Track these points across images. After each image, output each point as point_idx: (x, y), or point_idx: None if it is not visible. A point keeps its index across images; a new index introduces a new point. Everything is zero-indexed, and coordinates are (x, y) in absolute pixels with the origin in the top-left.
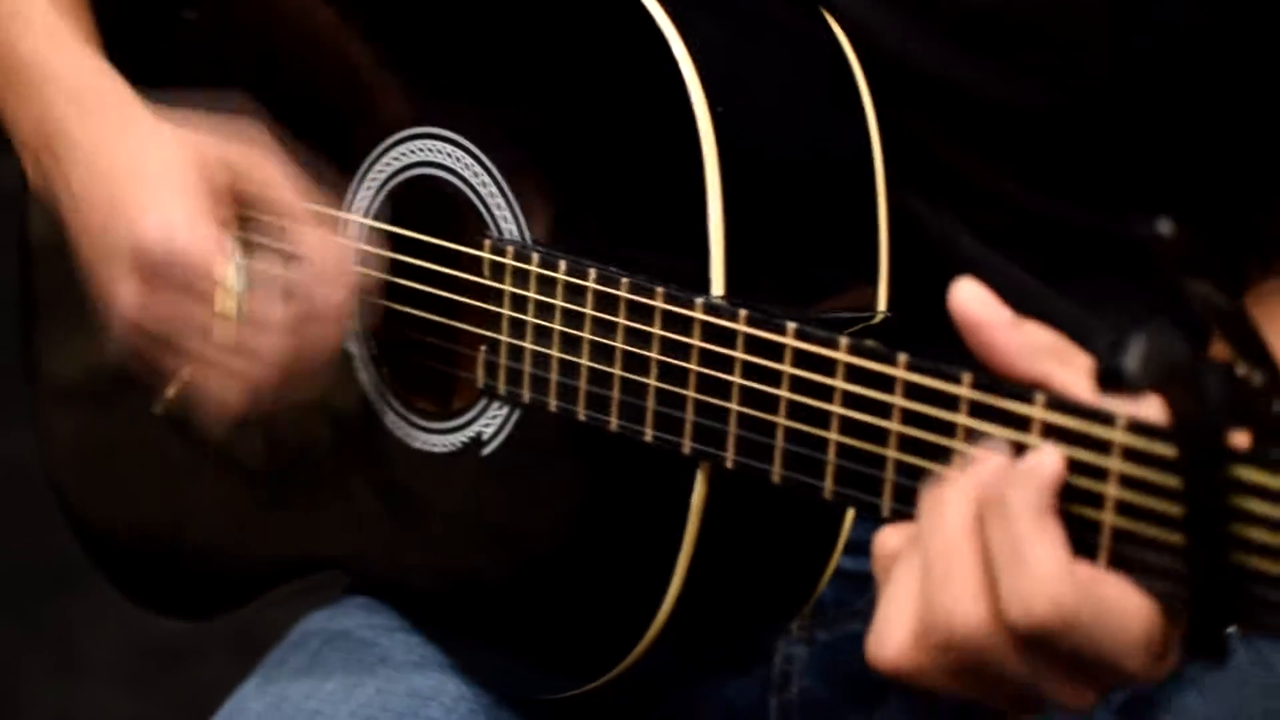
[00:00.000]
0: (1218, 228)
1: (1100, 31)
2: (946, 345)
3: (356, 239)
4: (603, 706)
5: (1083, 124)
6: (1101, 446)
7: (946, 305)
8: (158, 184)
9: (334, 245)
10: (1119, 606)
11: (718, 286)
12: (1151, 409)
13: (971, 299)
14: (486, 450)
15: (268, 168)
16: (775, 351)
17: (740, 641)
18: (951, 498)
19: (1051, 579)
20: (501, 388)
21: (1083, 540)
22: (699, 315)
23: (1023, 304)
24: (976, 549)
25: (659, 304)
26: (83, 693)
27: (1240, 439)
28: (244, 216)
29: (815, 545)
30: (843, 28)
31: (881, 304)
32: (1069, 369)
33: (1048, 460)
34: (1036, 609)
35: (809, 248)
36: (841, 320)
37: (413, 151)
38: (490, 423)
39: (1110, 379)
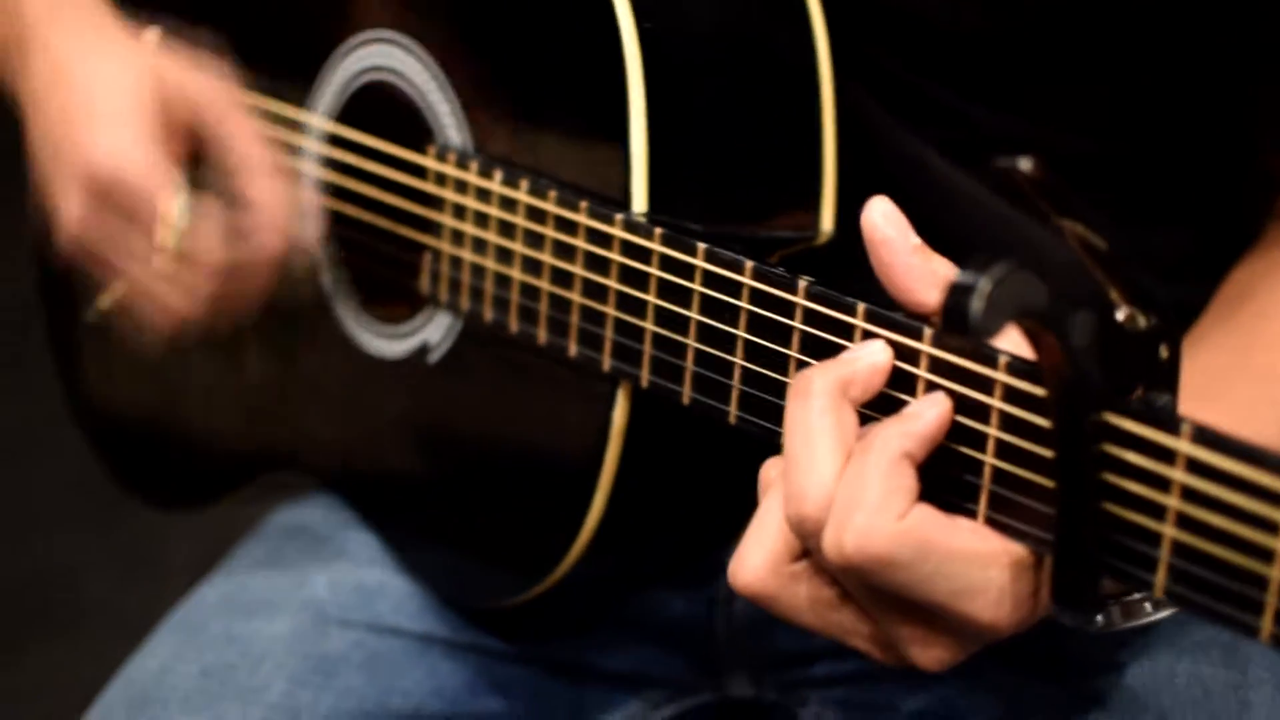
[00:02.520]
0: (1206, 160)
1: None
2: None
3: (316, 140)
4: (548, 619)
5: (1047, 45)
6: (984, 385)
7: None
8: (116, 109)
9: (280, 196)
10: (961, 551)
11: (640, 203)
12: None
13: (881, 215)
14: (432, 357)
15: (228, 108)
16: (686, 271)
17: (684, 557)
18: (817, 404)
19: (869, 516)
20: (443, 297)
21: (964, 481)
22: (618, 232)
23: (989, 227)
24: (835, 470)
25: (582, 219)
26: (148, 599)
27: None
28: (198, 152)
29: (750, 464)
30: None
31: (827, 224)
32: None
33: (924, 412)
34: (847, 544)
35: (744, 166)
36: (778, 240)
37: (371, 55)
38: (436, 331)
39: (952, 322)
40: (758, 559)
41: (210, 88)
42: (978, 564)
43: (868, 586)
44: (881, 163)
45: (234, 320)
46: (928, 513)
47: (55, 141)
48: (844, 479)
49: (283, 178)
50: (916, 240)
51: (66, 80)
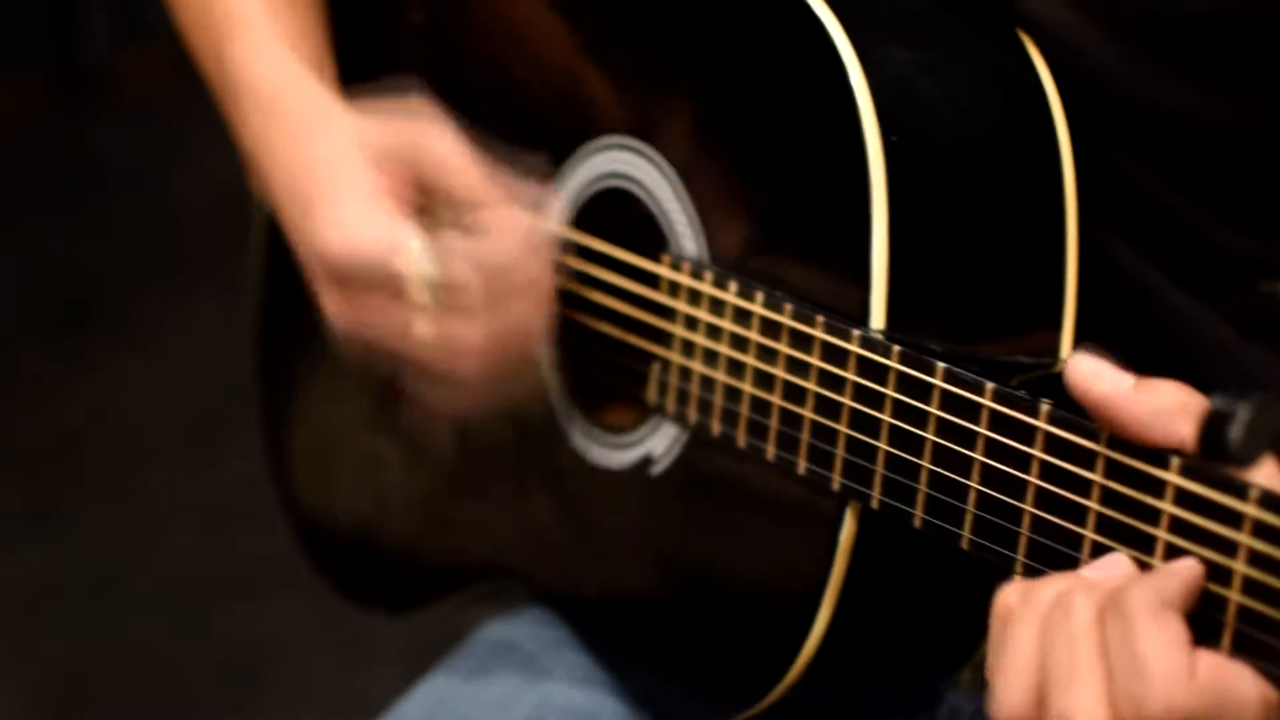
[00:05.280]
0: None
1: None
2: None
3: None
4: None
5: None
6: (1233, 519)
7: (1140, 351)
8: (335, 189)
9: (520, 218)
10: (1236, 698)
11: (878, 320)
12: None
13: (1086, 376)
14: (656, 469)
15: (441, 149)
16: (924, 391)
17: (904, 684)
18: (1077, 592)
19: (1165, 681)
20: (670, 408)
21: (1206, 617)
22: (854, 348)
23: (1223, 359)
24: (1097, 647)
25: (818, 334)
26: (369, 673)
27: None
28: (432, 198)
29: (980, 596)
30: (1043, 48)
31: (1066, 351)
32: None
33: (1178, 564)
34: (1150, 713)
35: (985, 287)
36: (1018, 365)
37: (609, 161)
38: (661, 442)
39: (1212, 449)
40: (1021, 710)
41: (405, 134)
42: (1251, 710)
43: None
44: (1116, 290)
45: (520, 371)
46: (1214, 661)
47: (301, 246)
48: (1112, 653)
49: (514, 196)
50: (1129, 382)
51: (295, 181)
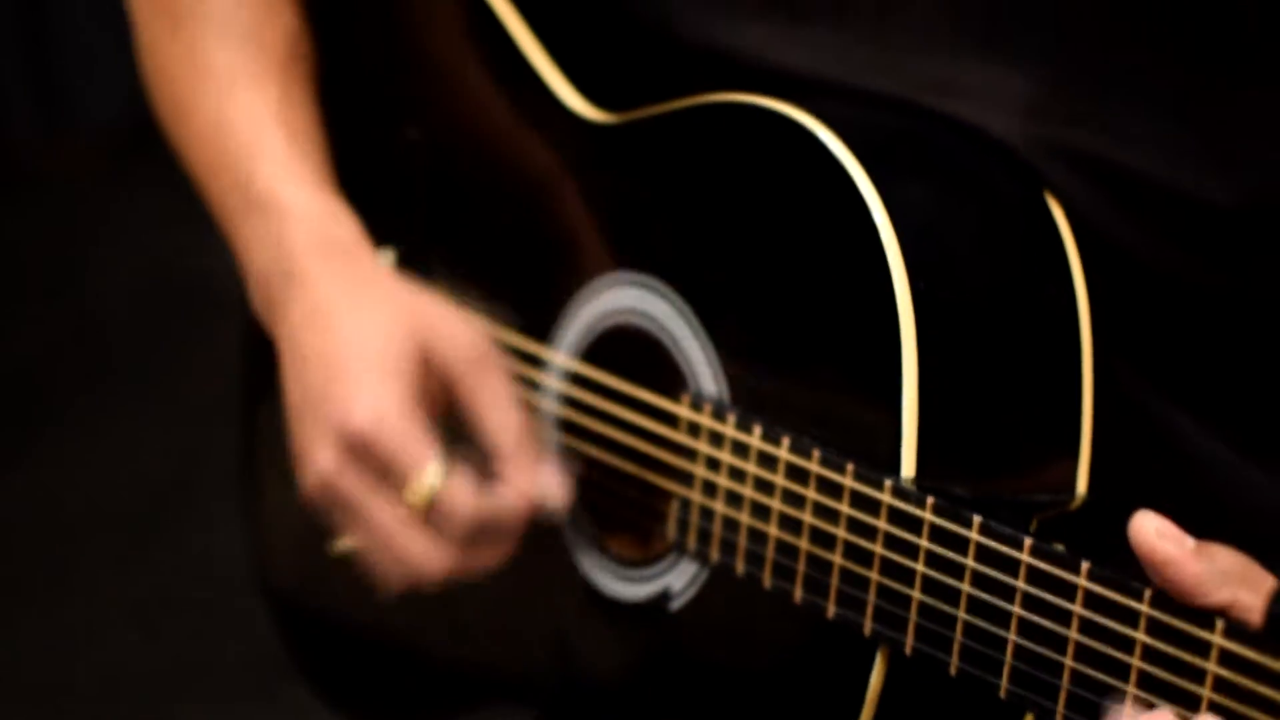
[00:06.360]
0: None
1: None
2: None
3: (559, 379)
4: None
5: None
6: (1276, 681)
7: (1152, 487)
8: (378, 366)
9: (533, 465)
10: None
11: (908, 467)
12: None
13: (1153, 535)
14: (674, 605)
15: (484, 373)
16: (959, 544)
17: None
18: None
19: None
20: (691, 545)
21: None
22: (886, 498)
23: (1239, 492)
24: None
25: (848, 482)
26: None
27: None
28: (453, 406)
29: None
30: (1063, 211)
31: (1081, 485)
32: (1255, 594)
33: None
34: None
35: (1008, 429)
36: (1035, 503)
37: (620, 297)
38: (680, 578)
39: (1277, 631)
40: None
41: (468, 347)
42: None
43: None
44: (1130, 425)
45: (473, 577)
46: None
47: (312, 387)
48: None
49: (536, 445)
50: (1191, 543)
51: (327, 325)
